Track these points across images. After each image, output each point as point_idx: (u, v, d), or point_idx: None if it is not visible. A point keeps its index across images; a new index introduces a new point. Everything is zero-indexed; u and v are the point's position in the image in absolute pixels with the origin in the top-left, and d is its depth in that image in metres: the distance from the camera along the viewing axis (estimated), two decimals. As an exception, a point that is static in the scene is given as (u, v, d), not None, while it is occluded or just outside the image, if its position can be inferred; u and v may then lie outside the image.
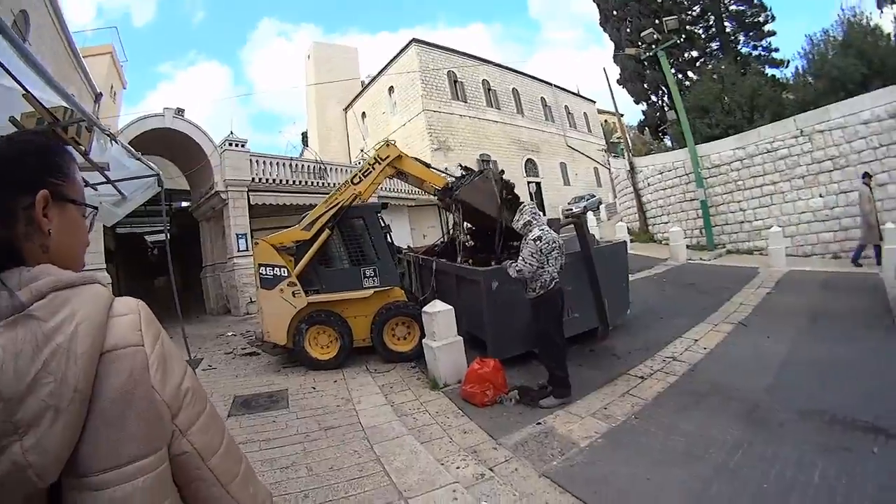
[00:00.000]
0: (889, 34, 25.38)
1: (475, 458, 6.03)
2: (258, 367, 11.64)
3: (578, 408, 7.37)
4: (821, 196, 18.98)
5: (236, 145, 21.86)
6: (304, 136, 61.57)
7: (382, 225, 11.88)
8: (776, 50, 36.39)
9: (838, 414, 6.30)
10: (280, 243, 11.33)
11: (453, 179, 12.32)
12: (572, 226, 10.22)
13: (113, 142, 6.30)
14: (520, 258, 7.65)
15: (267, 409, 8.45)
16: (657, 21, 26.21)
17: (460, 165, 12.56)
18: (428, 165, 12.72)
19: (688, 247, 22.36)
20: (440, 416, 7.56)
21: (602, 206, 44.58)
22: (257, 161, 22.84)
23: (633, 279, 16.34)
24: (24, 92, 4.32)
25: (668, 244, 22.22)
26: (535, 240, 7.54)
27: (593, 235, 14.60)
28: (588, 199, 48.95)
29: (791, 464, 5.27)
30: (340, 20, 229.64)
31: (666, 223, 25.26)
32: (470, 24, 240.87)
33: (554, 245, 7.65)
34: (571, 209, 45.63)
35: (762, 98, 25.59)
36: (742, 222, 21.77)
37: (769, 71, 35.03)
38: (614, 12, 37.06)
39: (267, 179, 22.99)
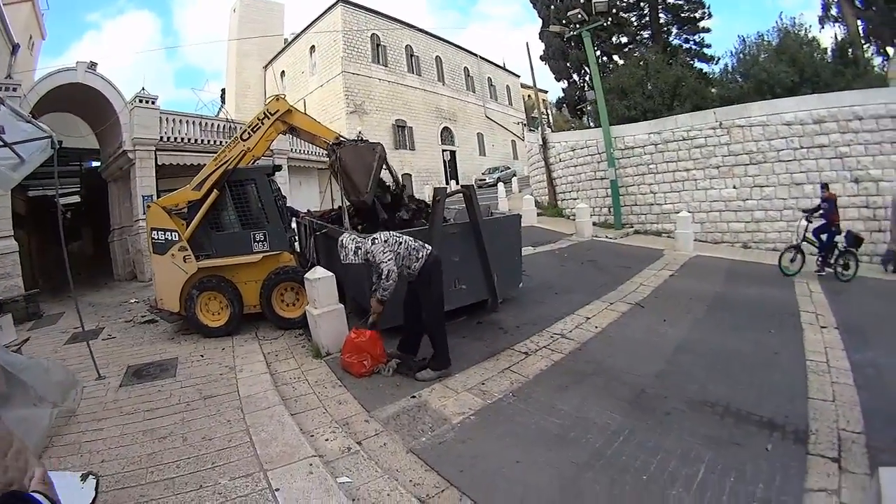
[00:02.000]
0: (826, 48, 26.79)
1: (346, 430, 6.21)
2: (154, 335, 11.66)
3: (456, 382, 7.53)
4: (734, 187, 19.74)
5: (146, 102, 21.50)
6: (223, 93, 60.24)
7: (273, 188, 11.92)
8: (708, 46, 37.39)
9: (731, 406, 6.49)
10: (172, 205, 11.32)
11: (344, 138, 12.18)
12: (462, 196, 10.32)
13: (1, 104, 6.37)
14: (380, 273, 7.47)
15: (155, 378, 8.56)
16: (587, 1, 26.54)
17: (359, 134, 12.64)
18: (318, 121, 12.79)
19: (595, 224, 22.93)
20: (318, 386, 7.73)
21: (515, 179, 45.21)
22: (167, 119, 22.55)
23: (534, 252, 17.13)
24: None
25: (575, 220, 22.64)
26: (376, 241, 7.59)
27: (487, 207, 14.74)
28: (502, 171, 50.48)
29: (676, 456, 5.37)
30: None
31: (575, 199, 25.66)
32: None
33: (397, 237, 7.77)
34: (485, 179, 46.36)
35: (685, 88, 26.39)
36: (652, 204, 22.36)
37: (698, 65, 35.88)
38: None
39: (176, 138, 22.74)
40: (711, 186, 20.40)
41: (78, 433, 6.57)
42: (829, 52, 26.90)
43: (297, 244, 15.57)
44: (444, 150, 57.86)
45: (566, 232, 22.14)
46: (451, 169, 56.92)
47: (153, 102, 21.85)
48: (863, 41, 29.73)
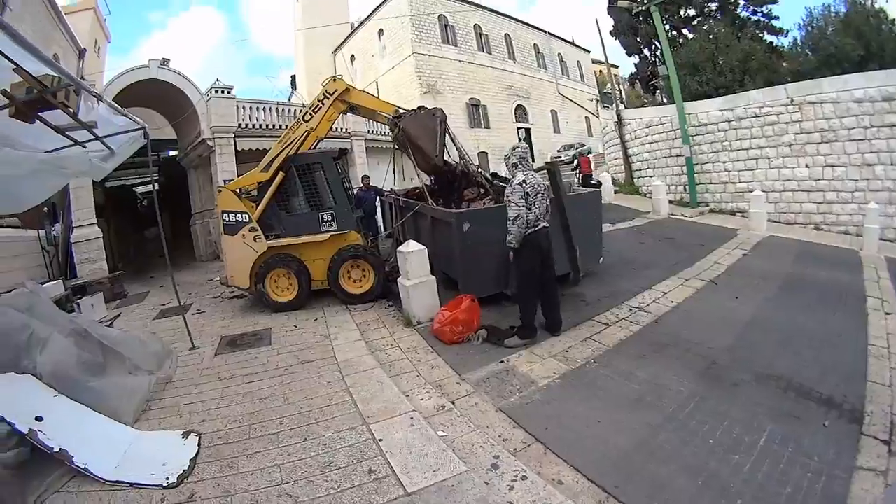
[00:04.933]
0: (893, 19, 25.69)
1: (439, 391, 6.57)
2: (245, 308, 12.21)
3: (541, 349, 7.79)
4: (807, 167, 19.17)
5: (222, 92, 22.12)
6: (293, 79, 61.05)
7: (339, 171, 12.32)
8: (776, 17, 36.02)
9: (794, 381, 6.56)
10: (241, 187, 11.90)
11: (404, 110, 12.54)
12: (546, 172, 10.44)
13: (99, 101, 6.80)
14: (510, 202, 7.89)
15: (251, 347, 9.09)
16: None
17: (420, 106, 12.89)
18: (377, 97, 13.11)
19: (671, 202, 22.65)
20: (411, 352, 8.13)
21: (591, 156, 44.59)
22: (243, 107, 23.09)
23: (612, 229, 17.06)
24: (13, 67, 4.82)
25: (651, 197, 22.50)
26: (520, 183, 7.81)
27: (570, 183, 14.85)
28: (578, 148, 49.21)
29: (741, 423, 5.55)
30: None
31: (651, 177, 25.31)
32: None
33: (539, 188, 7.94)
34: (560, 156, 45.93)
35: (755, 62, 25.76)
36: (726, 182, 21.93)
37: (767, 38, 35.08)
38: (613, -37, 36.38)
39: (253, 125, 23.29)
40: (784, 165, 19.74)
41: (176, 397, 7.07)
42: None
43: (380, 221, 16.50)
44: (518, 128, 57.20)
45: (642, 209, 22.03)
46: (527, 146, 55.97)
47: (229, 92, 22.48)
48: None
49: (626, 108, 33.05)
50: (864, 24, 23.08)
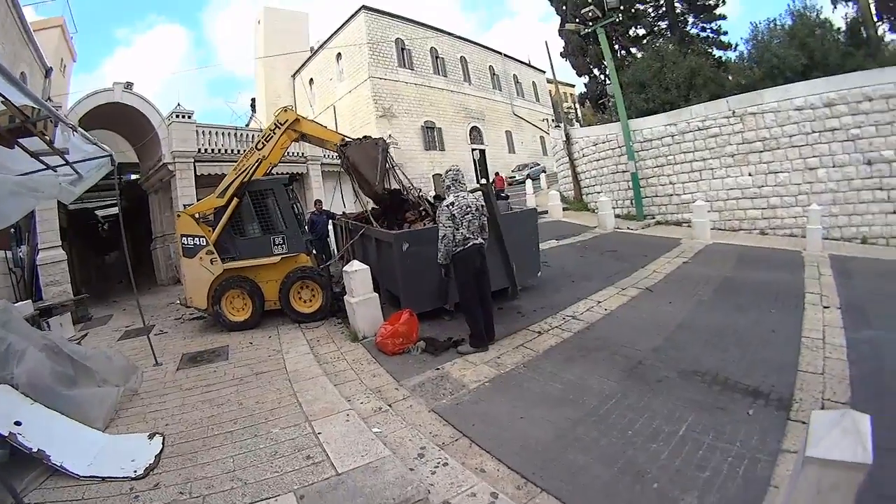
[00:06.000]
0: (838, 28, 26.53)
1: (378, 396, 7.20)
2: (204, 328, 12.74)
3: (475, 357, 8.39)
4: (750, 175, 19.99)
5: (183, 117, 22.66)
6: (253, 102, 61.15)
7: (290, 196, 13.03)
8: (725, 33, 36.88)
9: (720, 376, 6.99)
10: (199, 212, 12.60)
11: (350, 139, 13.22)
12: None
13: (74, 132, 7.47)
14: (439, 223, 8.67)
15: (210, 362, 9.72)
16: None
17: (389, 136, 13.66)
18: (325, 127, 13.83)
19: (619, 216, 23.45)
20: (355, 363, 8.76)
21: (544, 175, 45.58)
22: (203, 132, 23.73)
23: (557, 245, 17.73)
24: (2, 99, 5.47)
25: (597, 213, 23.03)
26: (448, 205, 8.50)
27: (508, 202, 15.60)
28: (532, 168, 50.88)
29: (661, 416, 5.98)
30: None
31: (599, 193, 25.98)
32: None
33: (468, 209, 8.54)
34: (514, 176, 46.73)
35: (700, 78, 26.27)
36: (671, 195, 22.68)
37: (717, 53, 35.65)
38: (561, -14, 36.97)
39: (213, 150, 23.90)
40: (727, 175, 20.76)
41: (142, 406, 7.66)
42: (842, 33, 26.81)
43: (332, 242, 17.47)
44: (473, 150, 58.37)
45: (590, 225, 22.58)
46: (482, 167, 57.19)
47: (189, 117, 23.00)
48: (875, 19, 29.21)
49: (580, 126, 33.88)
50: (808, 36, 23.56)
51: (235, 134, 25.67)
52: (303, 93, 59.39)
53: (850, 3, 30.79)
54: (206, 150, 23.64)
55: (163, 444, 6.09)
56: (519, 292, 11.12)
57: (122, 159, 23.28)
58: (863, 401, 6.08)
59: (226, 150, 24.52)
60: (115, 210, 31.84)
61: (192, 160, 22.77)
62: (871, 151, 17.54)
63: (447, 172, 9.21)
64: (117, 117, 21.86)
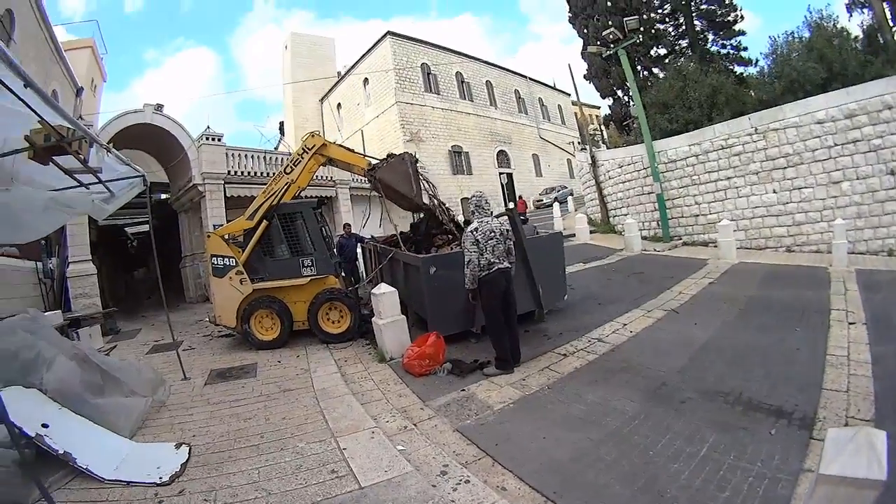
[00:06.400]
0: (856, 37, 26.20)
1: (403, 415, 7.23)
2: (233, 346, 12.89)
3: (500, 378, 8.36)
4: (774, 192, 19.67)
5: (212, 139, 22.92)
6: (282, 126, 61.93)
7: (319, 220, 13.24)
8: (745, 49, 36.55)
9: (743, 396, 6.85)
10: (229, 234, 12.78)
11: (376, 160, 13.28)
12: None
13: (108, 153, 7.63)
14: (464, 248, 8.74)
15: (238, 378, 9.87)
16: (623, 18, 26.76)
17: (389, 154, 13.76)
18: (353, 151, 13.78)
19: (645, 238, 23.23)
20: (382, 384, 8.82)
21: (571, 198, 45.15)
22: (232, 154, 23.99)
23: (584, 268, 17.65)
24: (39, 119, 5.60)
25: (624, 235, 22.75)
26: (472, 231, 8.58)
27: (534, 227, 15.52)
28: (559, 191, 50.60)
29: (682, 437, 5.86)
30: (334, 5, 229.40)
31: (625, 215, 25.90)
32: (460, 15, 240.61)
33: (491, 234, 8.60)
34: (542, 199, 47.08)
35: (722, 96, 26.06)
36: (697, 215, 22.42)
37: (738, 69, 35.41)
38: (584, 9, 37.39)
39: (242, 172, 24.11)
40: (752, 193, 20.41)
41: (169, 418, 7.83)
42: (860, 41, 26.42)
43: (360, 265, 17.69)
44: (500, 173, 58.23)
45: (616, 247, 22.46)
46: (509, 191, 56.96)
47: (219, 140, 23.29)
48: (891, 24, 28.53)
49: (606, 148, 33.80)
50: (826, 47, 23.25)
51: (264, 157, 25.94)
52: (331, 117, 59.93)
53: (866, 10, 30.49)
54: (235, 172, 23.89)
55: (189, 453, 6.19)
56: (545, 315, 11.12)
57: (153, 178, 23.27)
58: (887, 417, 5.96)
59: (255, 173, 24.78)
60: (144, 227, 32.18)
61: (222, 182, 23.05)
62: (894, 161, 17.15)
63: (471, 199, 9.35)
64: (147, 137, 22.13)
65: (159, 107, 21.73)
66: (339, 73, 62.44)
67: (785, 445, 5.52)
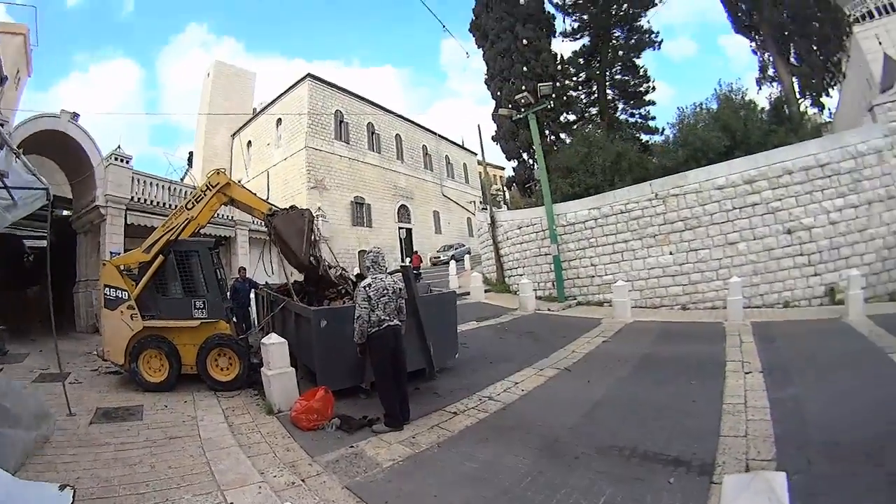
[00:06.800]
0: (762, 108, 27.26)
1: (291, 470, 6.98)
2: (119, 384, 12.33)
3: (389, 436, 8.22)
4: (671, 253, 20.25)
5: (121, 161, 22.20)
6: (191, 157, 60.19)
7: (214, 261, 13.07)
8: (653, 118, 38.42)
9: (639, 449, 6.97)
10: (124, 265, 12.38)
11: (277, 208, 13.13)
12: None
13: (17, 159, 7.21)
14: (355, 303, 8.78)
15: (124, 420, 9.41)
16: (538, 83, 27.30)
17: (292, 206, 13.66)
18: (255, 194, 13.60)
19: (540, 298, 23.30)
20: (269, 436, 8.54)
21: (468, 257, 45.53)
22: (139, 180, 23.35)
23: (477, 327, 17.63)
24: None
25: (519, 295, 22.83)
26: (365, 287, 8.66)
27: (428, 284, 15.81)
28: (457, 249, 51.22)
29: (578, 491, 5.86)
30: (264, 38, 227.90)
31: (521, 275, 26.00)
32: (382, 66, 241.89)
33: (384, 292, 8.70)
34: (439, 256, 47.70)
35: (626, 162, 26.82)
36: (593, 276, 22.71)
37: (645, 137, 37.02)
38: (501, 72, 38.07)
39: (146, 200, 23.42)
40: (649, 255, 21.04)
41: (53, 456, 7.37)
42: (766, 112, 27.46)
43: (253, 312, 17.42)
44: (400, 228, 58.60)
45: (511, 307, 22.44)
46: (408, 246, 57.08)
47: (127, 162, 22.56)
48: (798, 97, 30.77)
49: (508, 209, 34.13)
50: (732, 118, 24.09)
51: (169, 187, 25.34)
52: (240, 154, 58.90)
53: (775, 84, 32.51)
54: (139, 199, 23.15)
55: (73, 497, 5.76)
56: (436, 373, 11.09)
57: (57, 191, 22.45)
58: (788, 456, 6.23)
59: (159, 203, 24.05)
60: (43, 243, 30.83)
61: (125, 207, 22.22)
62: (791, 221, 18.26)
63: (367, 254, 9.48)
64: (58, 146, 21.10)
65: (75, 116, 20.86)
66: (254, 109, 61.54)
67: (685, 493, 5.64)
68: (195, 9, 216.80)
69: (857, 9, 55.25)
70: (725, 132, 23.71)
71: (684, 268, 20.06)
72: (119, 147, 22.37)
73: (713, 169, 20.08)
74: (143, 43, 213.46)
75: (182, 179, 33.42)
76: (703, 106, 28.07)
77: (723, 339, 13.79)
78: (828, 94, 32.42)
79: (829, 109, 35.02)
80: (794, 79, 31.13)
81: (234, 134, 60.89)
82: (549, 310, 21.58)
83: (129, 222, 22.24)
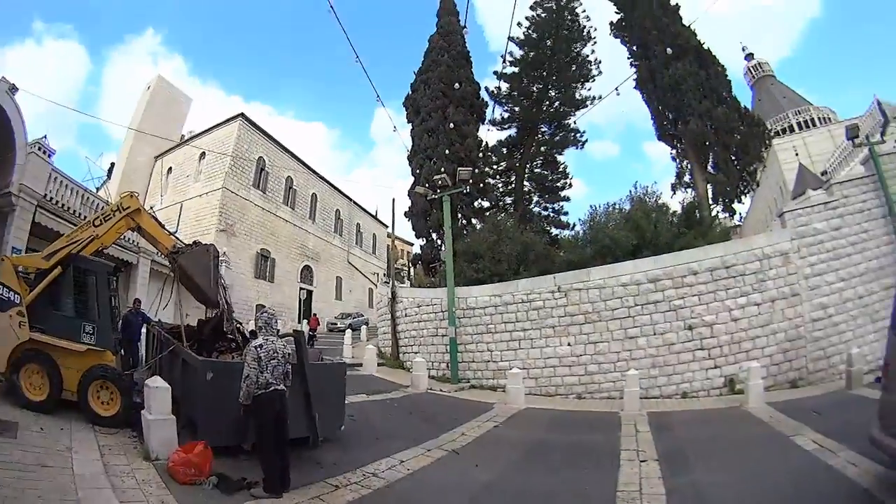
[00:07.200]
0: (674, 212, 27.85)
1: (164, 524, 6.26)
2: (-1, 395, 11.34)
3: (267, 502, 7.73)
4: (569, 345, 20.28)
5: (44, 153, 20.63)
6: (112, 168, 57.09)
7: (111, 288, 12.38)
8: (566, 213, 39.85)
9: None
10: (23, 266, 11.53)
11: (181, 245, 12.79)
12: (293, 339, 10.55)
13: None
14: (244, 362, 8.37)
15: (-1, 434, 8.57)
16: (458, 167, 27.94)
17: (195, 242, 13.24)
18: (163, 226, 13.21)
19: (433, 378, 22.78)
20: (144, 484, 7.81)
21: (365, 327, 44.87)
22: (56, 179, 21.78)
23: (366, 400, 17.09)
24: None
25: (412, 372, 22.23)
26: (256, 347, 8.30)
27: (319, 351, 15.20)
28: (355, 318, 50.88)
29: None
30: (209, 65, 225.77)
31: (416, 353, 25.59)
32: (314, 122, 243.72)
33: (274, 355, 8.37)
34: (336, 323, 47.33)
35: (533, 253, 27.08)
36: (489, 361, 22.48)
37: (555, 231, 38.05)
38: (425, 150, 38.22)
39: (59, 202, 21.86)
40: (547, 345, 20.93)
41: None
42: (677, 216, 27.84)
43: (142, 347, 16.43)
44: (301, 288, 57.78)
45: (403, 383, 21.77)
46: (306, 308, 56.28)
47: (50, 156, 20.99)
48: (711, 202, 32.05)
49: (410, 285, 34.43)
50: (643, 219, 24.60)
51: (83, 196, 23.84)
52: (159, 178, 56.66)
53: (689, 190, 34.36)
54: (52, 199, 21.54)
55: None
56: (320, 443, 10.58)
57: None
58: None
59: (69, 209, 22.55)
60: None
61: (37, 203, 20.47)
62: (693, 318, 18.82)
63: (262, 313, 9.23)
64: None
65: (14, 89, 19.11)
66: (183, 136, 59.74)
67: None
68: (158, 14, 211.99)
69: (779, 123, 59.27)
70: (635, 232, 24.15)
71: (582, 359, 20.15)
72: (45, 137, 20.95)
73: (618, 267, 20.61)
74: (101, 33, 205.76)
75: (97, 190, 32.09)
76: (617, 206, 28.70)
77: (618, 428, 13.69)
78: (740, 201, 34.42)
79: (740, 214, 37.56)
80: (709, 185, 32.71)
81: (158, 156, 58.29)
82: (441, 390, 21.20)
83: (37, 220, 20.49)
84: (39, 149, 20.32)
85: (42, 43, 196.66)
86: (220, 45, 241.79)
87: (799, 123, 62.60)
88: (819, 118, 64.64)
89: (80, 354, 11.02)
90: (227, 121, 51.97)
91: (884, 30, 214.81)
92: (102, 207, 18.67)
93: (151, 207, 44.09)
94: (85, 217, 21.64)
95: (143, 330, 16.88)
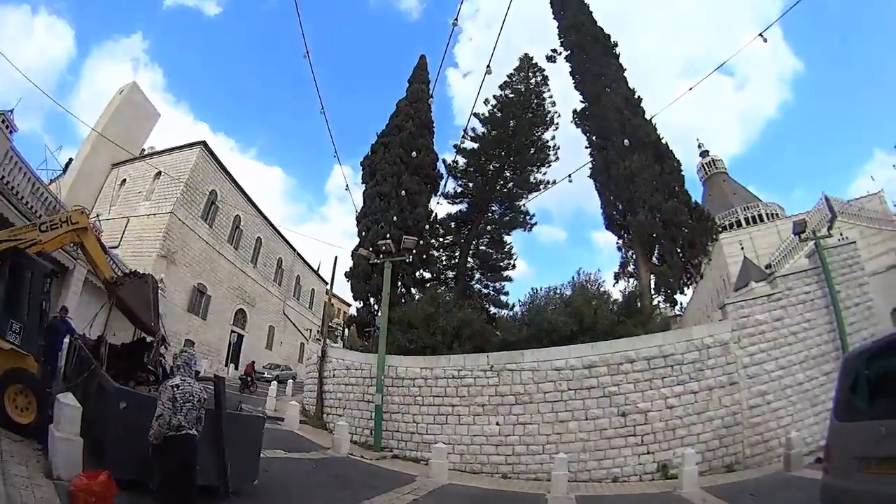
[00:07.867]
0: (615, 300, 27.77)
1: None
2: None
3: None
4: (498, 424, 19.68)
5: (6, 127, 19.26)
6: (68, 165, 53.85)
7: (45, 291, 11.97)
8: (506, 293, 39.82)
9: None
10: None
11: (121, 275, 12.59)
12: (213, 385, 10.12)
13: None
14: (158, 400, 7.57)
15: None
16: (404, 234, 27.59)
17: (132, 271, 12.36)
18: (107, 253, 13.00)
19: (355, 443, 22.01)
20: (42, 503, 7.18)
21: (292, 382, 43.11)
22: (11, 158, 19.85)
23: (284, 456, 16.31)
24: None
25: (334, 435, 21.39)
26: (173, 386, 7.57)
27: (238, 401, 14.77)
28: (283, 370, 50.19)
29: None
30: (185, 85, 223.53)
31: (340, 415, 24.65)
32: (273, 167, 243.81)
33: (190, 398, 7.64)
34: (263, 373, 45.94)
35: (469, 329, 26.59)
36: (414, 433, 21.79)
37: (494, 309, 37.72)
38: (374, 213, 37.38)
39: (9, 183, 19.67)
40: (475, 422, 20.26)
41: None
42: (618, 304, 27.73)
43: (61, 360, 14.85)
44: (233, 331, 56.04)
45: (324, 445, 20.75)
46: (235, 353, 55.03)
47: (11, 133, 19.35)
48: (653, 292, 31.63)
49: (342, 346, 33.61)
50: (583, 305, 24.60)
51: (35, 185, 21.82)
52: (112, 188, 54.26)
53: (632, 280, 34.14)
54: (5, 180, 19.34)
55: None
56: (230, 495, 9.89)
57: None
58: None
59: (18, 194, 20.30)
60: None
61: None
62: (627, 405, 18.50)
63: (182, 353, 8.54)
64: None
65: None
66: (143, 150, 57.87)
67: None
68: (153, 20, 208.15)
69: (727, 218, 60.65)
70: (574, 318, 23.95)
71: (509, 439, 19.56)
72: (12, 112, 19.31)
73: (553, 351, 20.27)
74: (92, 22, 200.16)
75: (50, 182, 30.21)
76: (558, 291, 28.68)
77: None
78: (682, 292, 34.04)
79: (681, 304, 37.37)
80: (652, 276, 32.44)
81: (115, 164, 55.55)
82: (363, 456, 20.15)
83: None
84: (3, 122, 18.66)
85: (38, 13, 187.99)
86: (201, 70, 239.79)
87: (747, 219, 64.32)
88: (767, 214, 66.01)
89: (3, 353, 10.10)
90: (189, 146, 51.02)
91: (836, 130, 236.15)
92: (51, 203, 17.31)
93: (98, 216, 43.34)
94: (31, 207, 20.21)
95: (66, 340, 15.42)
